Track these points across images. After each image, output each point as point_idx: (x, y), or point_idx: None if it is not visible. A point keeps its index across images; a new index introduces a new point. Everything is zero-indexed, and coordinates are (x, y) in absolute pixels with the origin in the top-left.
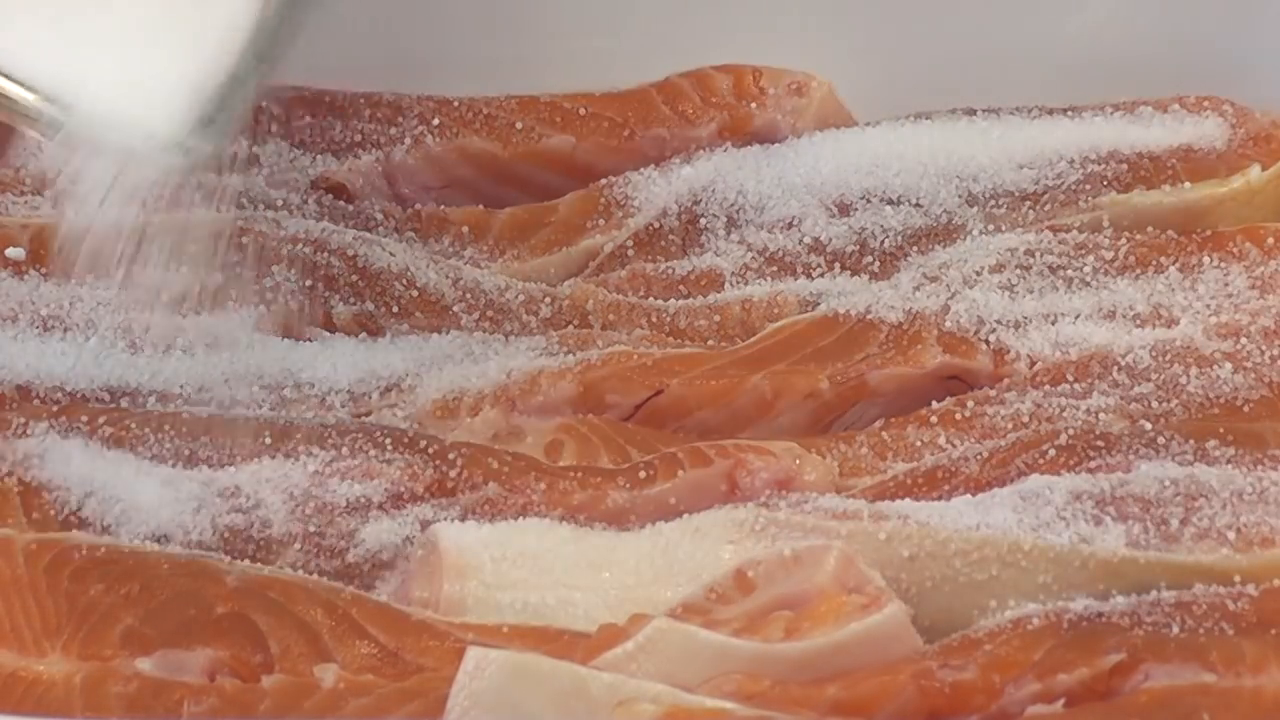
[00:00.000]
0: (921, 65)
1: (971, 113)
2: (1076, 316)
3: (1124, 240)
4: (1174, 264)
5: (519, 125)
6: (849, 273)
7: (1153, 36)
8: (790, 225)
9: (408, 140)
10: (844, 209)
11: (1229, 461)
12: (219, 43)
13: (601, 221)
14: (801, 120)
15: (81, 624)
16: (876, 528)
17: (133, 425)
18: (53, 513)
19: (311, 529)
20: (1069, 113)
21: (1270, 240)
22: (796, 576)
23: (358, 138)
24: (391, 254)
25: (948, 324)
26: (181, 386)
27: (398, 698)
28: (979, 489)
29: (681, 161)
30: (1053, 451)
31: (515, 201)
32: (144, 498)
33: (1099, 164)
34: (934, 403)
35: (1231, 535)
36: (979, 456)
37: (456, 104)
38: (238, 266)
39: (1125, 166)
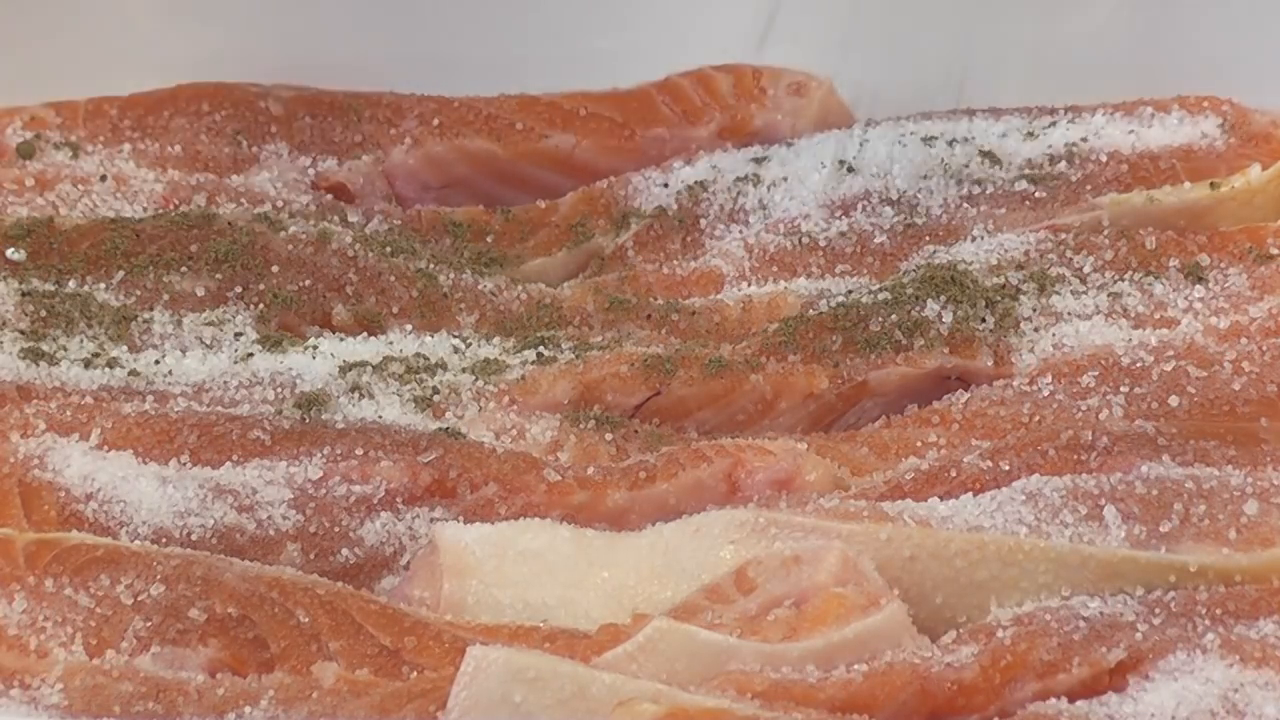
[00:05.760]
0: (921, 65)
1: (971, 113)
2: (1076, 316)
3: (1124, 240)
4: (1174, 264)
5: (519, 125)
6: (849, 273)
7: (1153, 36)
8: (790, 225)
9: (408, 140)
10: (844, 209)
11: (1229, 461)
12: None
13: (601, 221)
14: (801, 120)
15: (82, 624)
16: (876, 528)
17: (133, 425)
18: (53, 513)
19: (311, 529)
20: (1069, 113)
21: (1270, 240)
22: (797, 576)
23: (358, 138)
24: (391, 254)
25: (948, 324)
26: (181, 386)
27: (398, 698)
28: (979, 489)
29: (682, 162)
30: (1053, 451)
31: (515, 201)
32: (144, 498)
33: (1099, 164)
34: (934, 402)
35: (1231, 535)
36: (979, 456)
37: (456, 104)
38: (238, 266)
39: (1125, 166)
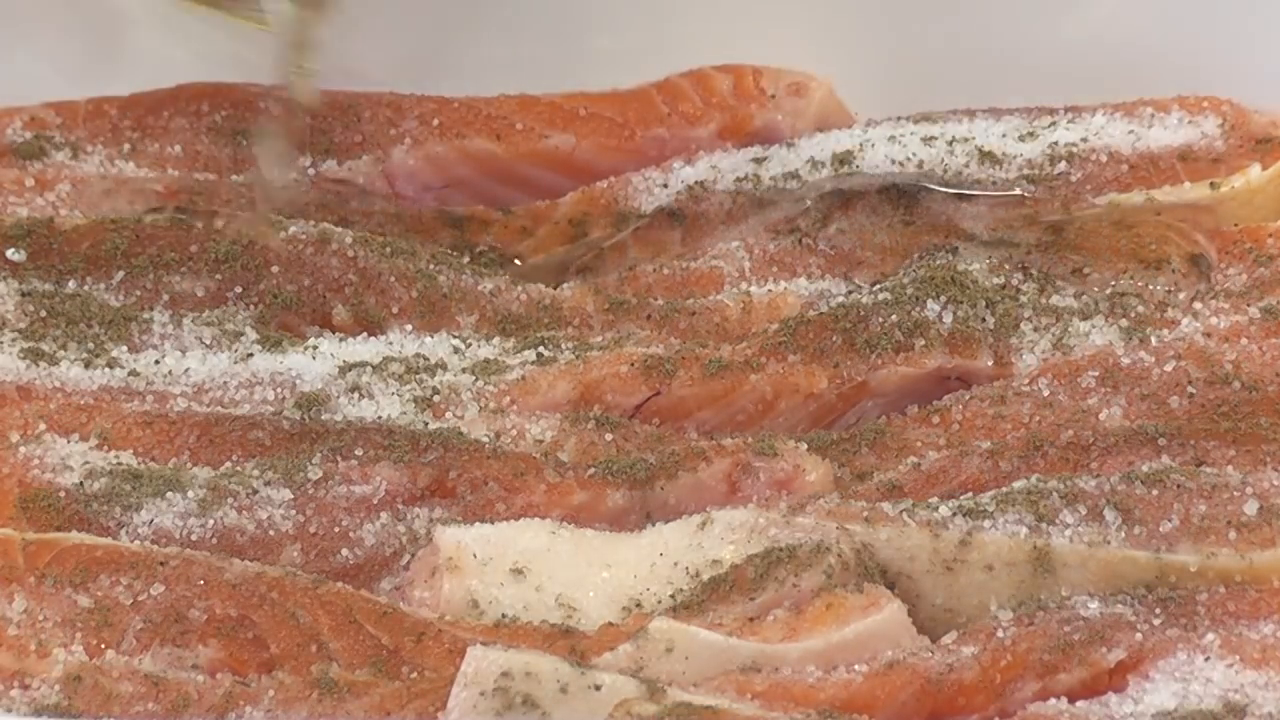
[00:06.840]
0: (921, 65)
1: (971, 113)
2: (1076, 316)
3: (1124, 240)
4: (1174, 263)
5: (519, 125)
6: (849, 273)
7: (1153, 36)
8: (790, 225)
9: (408, 140)
10: (844, 209)
11: (1229, 462)
12: None
13: (601, 221)
14: (801, 120)
15: (82, 624)
16: (877, 528)
17: (133, 425)
18: (53, 513)
19: (311, 529)
20: (1069, 113)
21: (1270, 240)
22: (796, 576)
23: (358, 138)
24: (391, 254)
25: (948, 324)
26: (181, 386)
27: (398, 698)
28: (979, 489)
29: (682, 162)
30: (1053, 451)
31: (515, 201)
32: (144, 497)
33: (1099, 164)
34: (934, 402)
35: (1231, 535)
36: (979, 456)
37: (456, 104)
38: (238, 266)
39: (1125, 166)
